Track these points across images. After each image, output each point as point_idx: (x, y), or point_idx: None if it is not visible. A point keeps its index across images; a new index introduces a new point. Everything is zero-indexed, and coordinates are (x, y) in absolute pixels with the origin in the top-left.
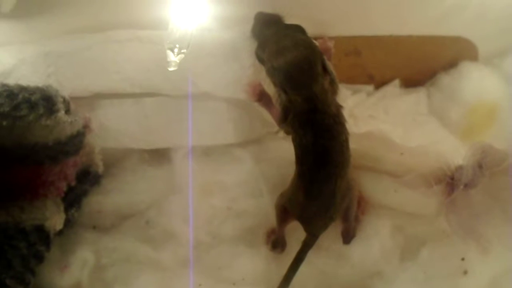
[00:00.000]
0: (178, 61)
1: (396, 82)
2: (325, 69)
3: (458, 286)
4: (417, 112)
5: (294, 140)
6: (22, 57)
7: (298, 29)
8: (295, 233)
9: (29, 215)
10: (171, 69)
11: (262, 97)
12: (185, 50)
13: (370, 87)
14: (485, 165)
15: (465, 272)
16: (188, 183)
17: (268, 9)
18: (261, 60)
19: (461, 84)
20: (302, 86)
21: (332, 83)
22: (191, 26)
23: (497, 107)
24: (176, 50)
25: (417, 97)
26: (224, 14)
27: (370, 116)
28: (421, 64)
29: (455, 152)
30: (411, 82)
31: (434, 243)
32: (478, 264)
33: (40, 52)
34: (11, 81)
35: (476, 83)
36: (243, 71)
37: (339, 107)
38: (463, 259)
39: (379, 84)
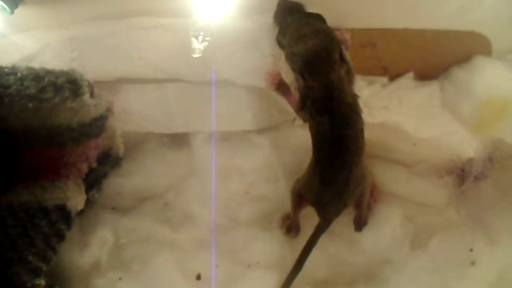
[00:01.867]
0: (202, 49)
1: (410, 74)
2: (342, 58)
3: (466, 276)
4: (430, 104)
5: (311, 128)
6: (47, 41)
7: (319, 17)
8: (310, 218)
9: (51, 195)
10: (195, 55)
11: (280, 86)
12: (209, 38)
13: (384, 79)
14: (495, 158)
15: (473, 263)
16: (206, 167)
17: None
18: (281, 45)
19: (474, 78)
20: (319, 72)
21: (349, 72)
22: (215, 14)
23: (509, 102)
24: (200, 38)
25: (430, 90)
26: (246, 3)
27: (384, 107)
28: (435, 58)
29: (466, 145)
30: (425, 75)
31: (443, 233)
32: (486, 255)
33: (64, 37)
34: (36, 64)
35: (489, 77)
36: (263, 59)
37: (355, 97)
38: (471, 249)
39: (394, 76)
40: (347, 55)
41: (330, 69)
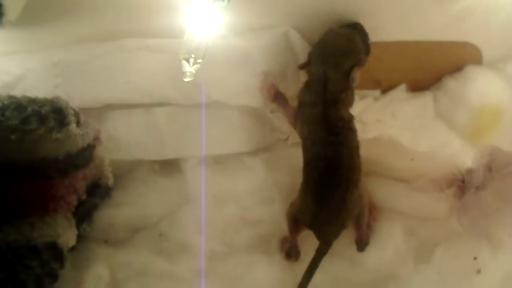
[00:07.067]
0: (193, 72)
1: (403, 86)
2: (349, 77)
3: (473, 285)
4: (424, 115)
5: (304, 145)
6: (28, 67)
7: (363, 33)
8: (310, 239)
9: (40, 232)
10: (186, 79)
11: (277, 97)
12: (200, 60)
13: (377, 92)
14: (494, 168)
15: (479, 271)
16: (200, 193)
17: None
18: (309, 53)
19: (466, 87)
20: (324, 61)
21: (350, 93)
22: (207, 36)
23: (501, 109)
24: (191, 60)
25: (424, 101)
26: (236, 19)
27: (378, 121)
28: (428, 69)
29: (463, 155)
30: (418, 86)
31: (446, 244)
32: (491, 262)
33: (47, 62)
34: (17, 92)
35: (481, 86)
36: (254, 78)
37: (351, 117)
38: (475, 258)
39: (386, 89)
40: (357, 77)
41: (333, 66)
